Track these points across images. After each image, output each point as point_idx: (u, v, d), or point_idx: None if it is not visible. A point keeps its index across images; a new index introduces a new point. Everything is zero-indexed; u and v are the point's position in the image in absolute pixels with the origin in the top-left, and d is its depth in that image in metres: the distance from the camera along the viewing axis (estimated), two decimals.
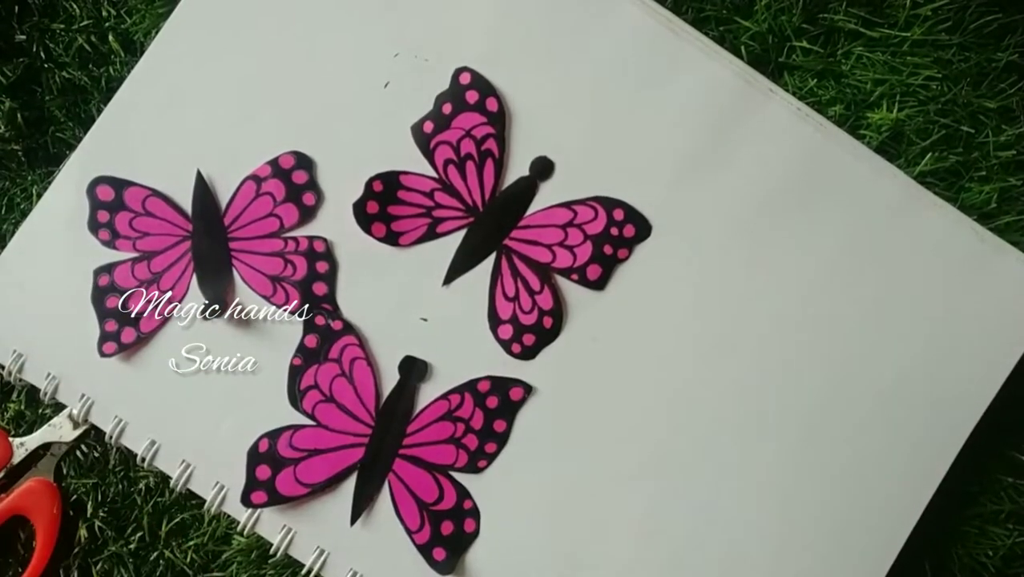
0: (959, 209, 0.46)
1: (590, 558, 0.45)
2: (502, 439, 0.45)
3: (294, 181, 0.46)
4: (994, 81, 0.46)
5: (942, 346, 0.45)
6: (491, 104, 0.46)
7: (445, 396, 0.45)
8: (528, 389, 0.45)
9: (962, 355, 0.45)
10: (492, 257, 0.46)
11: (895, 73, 0.46)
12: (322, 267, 0.46)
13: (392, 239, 0.46)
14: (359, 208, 0.46)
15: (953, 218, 0.45)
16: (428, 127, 0.46)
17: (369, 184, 0.46)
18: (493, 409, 0.45)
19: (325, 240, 0.46)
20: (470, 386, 0.45)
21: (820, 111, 0.46)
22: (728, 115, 0.46)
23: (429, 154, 0.46)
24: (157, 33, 0.47)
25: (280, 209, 0.46)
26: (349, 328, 0.45)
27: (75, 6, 0.49)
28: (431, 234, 0.46)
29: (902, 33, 0.46)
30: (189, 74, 0.47)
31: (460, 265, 0.46)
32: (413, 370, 0.45)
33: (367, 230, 0.46)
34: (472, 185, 0.46)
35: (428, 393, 0.45)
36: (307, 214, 0.46)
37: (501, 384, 0.45)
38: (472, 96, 0.46)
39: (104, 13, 0.49)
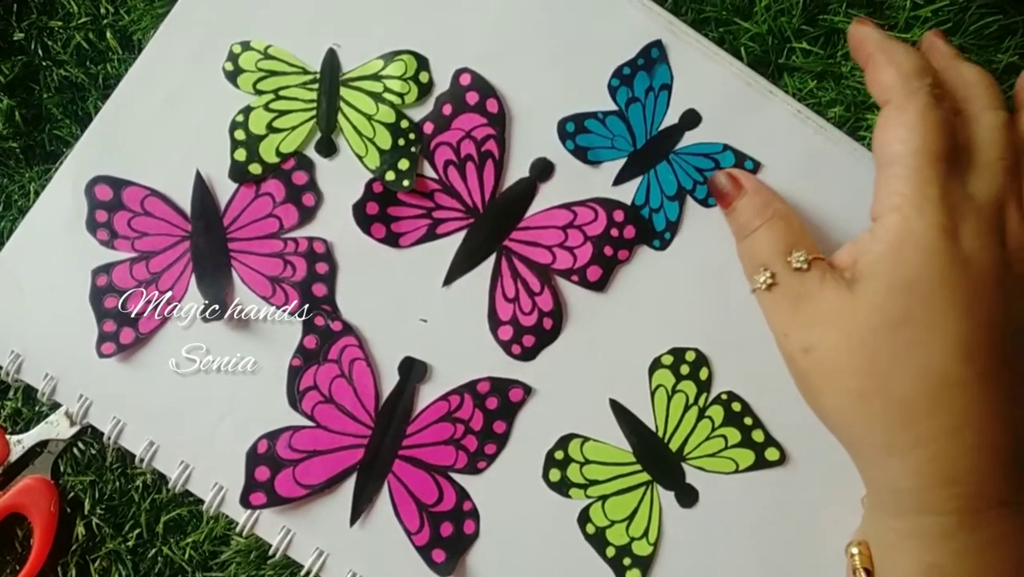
0: None
1: (589, 559, 0.45)
2: (502, 440, 0.45)
3: (294, 182, 0.46)
4: None
5: None
6: (491, 105, 0.46)
7: (445, 397, 0.45)
8: (528, 390, 0.45)
9: None
10: (492, 258, 0.46)
11: None
12: (322, 268, 0.46)
13: (392, 240, 0.46)
14: (359, 209, 0.46)
15: None
16: (428, 128, 0.46)
17: (369, 185, 0.46)
18: (493, 410, 0.45)
19: (325, 241, 0.46)
20: (470, 387, 0.45)
21: (820, 113, 0.46)
22: (727, 117, 0.46)
23: (429, 155, 0.46)
24: (155, 31, 0.47)
25: (280, 210, 0.46)
26: (349, 329, 0.45)
27: (73, 3, 0.49)
28: (431, 235, 0.46)
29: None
30: (187, 72, 0.47)
31: (460, 266, 0.46)
32: (412, 371, 0.45)
33: (367, 231, 0.46)
34: (472, 186, 0.46)
35: (428, 394, 0.45)
36: (307, 215, 0.46)
37: (501, 385, 0.45)
38: (472, 97, 0.46)
39: (102, 10, 0.49)
